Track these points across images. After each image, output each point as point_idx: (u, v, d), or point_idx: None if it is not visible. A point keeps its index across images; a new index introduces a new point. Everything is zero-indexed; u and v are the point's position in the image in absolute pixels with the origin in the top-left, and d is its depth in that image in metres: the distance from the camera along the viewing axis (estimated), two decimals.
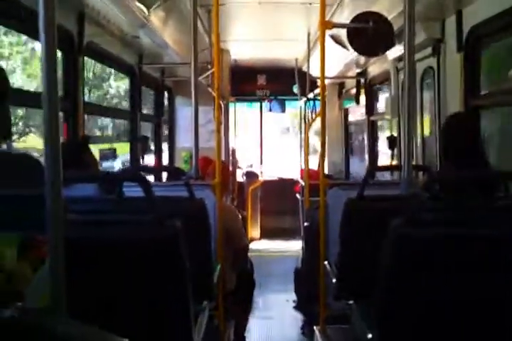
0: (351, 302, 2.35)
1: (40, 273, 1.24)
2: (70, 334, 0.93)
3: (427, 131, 3.84)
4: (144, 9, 3.52)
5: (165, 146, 6.22)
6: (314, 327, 3.28)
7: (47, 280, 1.21)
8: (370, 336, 1.83)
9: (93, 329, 0.99)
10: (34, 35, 2.67)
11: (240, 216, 4.24)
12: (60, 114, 3.07)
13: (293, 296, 4.81)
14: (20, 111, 4.81)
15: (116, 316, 1.42)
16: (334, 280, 2.59)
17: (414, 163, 2.93)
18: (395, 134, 4.41)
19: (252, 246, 7.44)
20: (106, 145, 5.50)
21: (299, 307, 4.55)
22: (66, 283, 1.20)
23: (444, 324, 1.56)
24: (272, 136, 9.42)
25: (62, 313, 1.17)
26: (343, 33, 3.80)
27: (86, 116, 3.44)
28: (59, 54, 3.11)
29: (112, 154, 4.10)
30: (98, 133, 6.54)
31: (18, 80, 4.73)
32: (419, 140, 3.88)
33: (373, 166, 5.19)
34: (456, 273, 1.54)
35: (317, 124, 5.61)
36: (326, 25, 3.25)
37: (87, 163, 2.48)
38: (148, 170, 4.35)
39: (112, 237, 1.63)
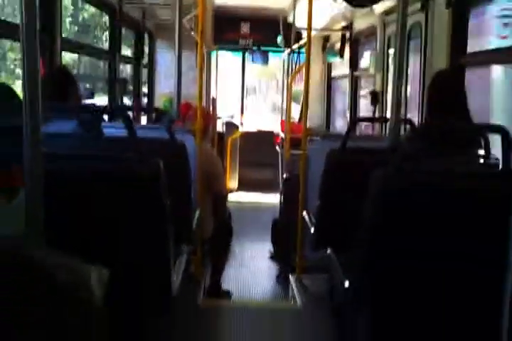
0: (329, 252, 2.39)
1: (16, 202, 1.23)
2: (46, 261, 0.93)
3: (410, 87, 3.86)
4: None
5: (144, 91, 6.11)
6: (290, 276, 3.38)
7: (23, 209, 1.20)
8: (346, 284, 1.86)
9: (69, 258, 1.00)
10: None
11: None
12: None
13: (269, 246, 4.92)
14: None
15: (93, 252, 1.43)
16: (312, 230, 2.64)
17: None
18: (378, 90, 4.41)
19: (230, 196, 7.53)
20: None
21: (275, 257, 4.65)
22: (43, 215, 1.20)
23: (424, 275, 1.56)
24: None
25: (39, 242, 1.17)
26: None
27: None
28: None
29: (90, 94, 3.98)
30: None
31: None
32: (402, 95, 3.90)
33: (357, 117, 5.17)
34: (438, 225, 1.55)
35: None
36: None
37: (72, 96, 2.42)
38: (128, 108, 4.25)
39: (90, 171, 1.60)
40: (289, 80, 5.23)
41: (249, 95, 12.10)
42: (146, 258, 1.68)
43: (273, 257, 4.88)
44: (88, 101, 4.35)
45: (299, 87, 6.81)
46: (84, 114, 2.08)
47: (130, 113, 4.32)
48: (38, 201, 1.20)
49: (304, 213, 3.00)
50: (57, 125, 1.95)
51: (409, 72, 3.84)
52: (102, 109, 2.09)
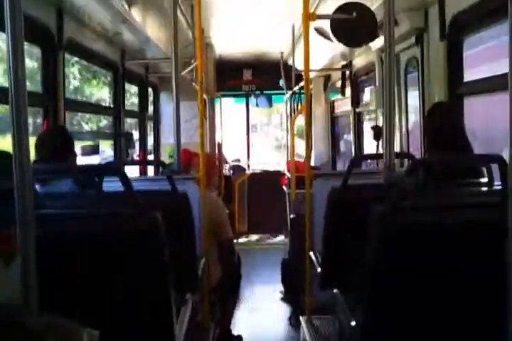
0: (335, 291, 2.34)
1: (12, 267, 1.22)
2: (39, 327, 0.91)
3: (412, 121, 3.86)
4: (125, 4, 3.49)
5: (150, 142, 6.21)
6: (300, 318, 3.30)
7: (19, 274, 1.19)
8: (353, 323, 1.83)
9: (63, 321, 0.98)
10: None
11: (228, 210, 4.24)
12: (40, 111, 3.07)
13: (280, 287, 4.82)
14: None
15: (95, 310, 1.40)
16: (319, 270, 2.59)
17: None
18: (380, 125, 4.42)
19: (241, 239, 7.47)
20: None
21: (286, 298, 4.56)
22: (41, 278, 1.18)
23: (429, 310, 1.55)
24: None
25: (33, 307, 1.15)
26: (326, 26, 3.80)
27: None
28: (38, 50, 3.10)
29: (94, 150, 4.07)
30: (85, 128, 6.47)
31: None
32: (403, 130, 3.90)
33: (358, 155, 5.19)
34: (441, 259, 1.54)
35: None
36: (309, 16, 3.25)
37: (67, 156, 2.44)
38: (130, 163, 4.31)
39: (89, 230, 1.61)
40: (292, 121, 5.29)
41: (251, 132, 12.39)
42: (147, 311, 1.67)
43: (284, 298, 4.77)
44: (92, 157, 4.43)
45: (303, 121, 6.88)
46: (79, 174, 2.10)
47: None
48: (31, 264, 1.18)
49: (311, 253, 2.95)
50: (54, 185, 1.96)
51: (409, 106, 3.86)
52: (97, 170, 2.11)
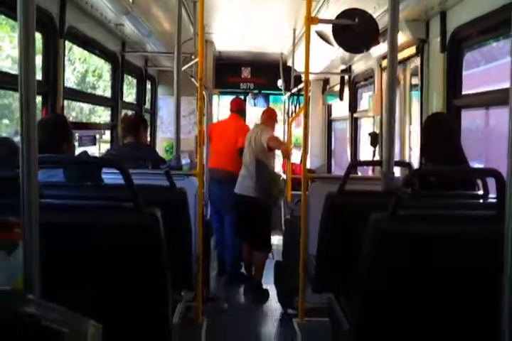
0: (330, 294, 2.36)
1: (14, 255, 1.22)
2: (36, 315, 0.92)
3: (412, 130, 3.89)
4: None
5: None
6: (293, 320, 3.30)
7: (21, 263, 1.19)
8: (347, 327, 1.85)
9: (64, 311, 0.99)
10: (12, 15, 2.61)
11: None
12: (39, 98, 3.06)
13: (273, 289, 4.82)
14: None
15: (91, 302, 1.40)
16: (313, 273, 2.60)
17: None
18: (377, 131, 4.45)
19: None
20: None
21: (279, 300, 4.57)
22: (41, 268, 1.19)
23: (423, 316, 1.57)
24: None
25: (35, 296, 1.16)
26: (328, 29, 3.82)
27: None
28: (39, 37, 3.08)
29: (92, 141, 4.05)
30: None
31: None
32: (406, 138, 3.93)
33: (355, 161, 5.22)
34: (435, 268, 1.56)
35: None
36: (312, 20, 3.26)
37: (64, 145, 2.42)
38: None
39: (88, 222, 1.61)
40: (289, 123, 5.30)
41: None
42: (143, 306, 1.68)
43: (277, 299, 4.77)
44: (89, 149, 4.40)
45: (299, 129, 6.90)
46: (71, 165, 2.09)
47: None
48: (34, 256, 1.19)
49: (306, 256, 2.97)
50: (43, 174, 1.95)
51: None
52: (99, 163, 2.10)
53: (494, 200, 1.77)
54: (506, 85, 1.29)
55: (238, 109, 5.25)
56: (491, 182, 1.73)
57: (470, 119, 3.31)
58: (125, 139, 3.82)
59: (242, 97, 8.44)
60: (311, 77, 4.90)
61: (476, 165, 3.21)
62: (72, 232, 1.60)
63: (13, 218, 1.23)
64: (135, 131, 3.74)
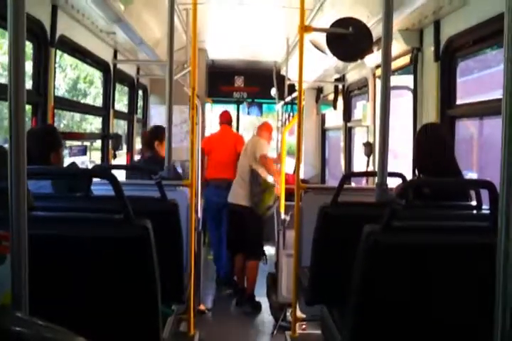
0: (323, 307, 2.33)
1: (2, 269, 1.18)
2: (25, 333, 0.88)
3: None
4: (121, 5, 3.45)
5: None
6: (286, 333, 3.26)
7: (8, 277, 1.15)
8: (339, 339, 1.82)
9: (51, 328, 0.94)
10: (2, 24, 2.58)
11: None
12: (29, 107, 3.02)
13: (265, 301, 4.77)
14: None
15: (81, 315, 1.36)
16: (307, 285, 2.56)
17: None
18: (371, 141, 4.43)
19: None
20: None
21: (271, 312, 4.52)
22: (30, 281, 1.15)
23: (416, 328, 1.57)
24: None
25: (22, 311, 1.11)
26: (322, 38, 3.80)
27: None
28: (30, 46, 3.05)
29: (82, 151, 4.04)
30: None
31: None
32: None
33: (348, 172, 5.20)
34: (430, 280, 1.56)
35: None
36: (305, 29, 3.24)
37: (52, 156, 2.39)
38: (119, 167, 4.26)
39: (78, 235, 1.57)
40: (283, 132, 5.27)
41: None
42: (133, 320, 1.64)
43: (269, 311, 4.72)
44: (80, 159, 4.37)
45: (293, 136, 6.87)
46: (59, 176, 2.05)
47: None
48: (22, 269, 1.15)
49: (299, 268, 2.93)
50: (34, 186, 1.91)
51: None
52: (89, 173, 2.06)
53: (487, 211, 1.76)
54: (499, 93, 1.27)
55: (228, 121, 5.73)
56: (484, 192, 1.72)
57: (464, 129, 3.30)
58: (145, 153, 4.30)
59: (236, 106, 8.50)
60: (304, 85, 4.89)
61: (469, 174, 3.19)
62: (61, 245, 1.57)
63: (1, 231, 1.19)
64: (151, 146, 4.18)
